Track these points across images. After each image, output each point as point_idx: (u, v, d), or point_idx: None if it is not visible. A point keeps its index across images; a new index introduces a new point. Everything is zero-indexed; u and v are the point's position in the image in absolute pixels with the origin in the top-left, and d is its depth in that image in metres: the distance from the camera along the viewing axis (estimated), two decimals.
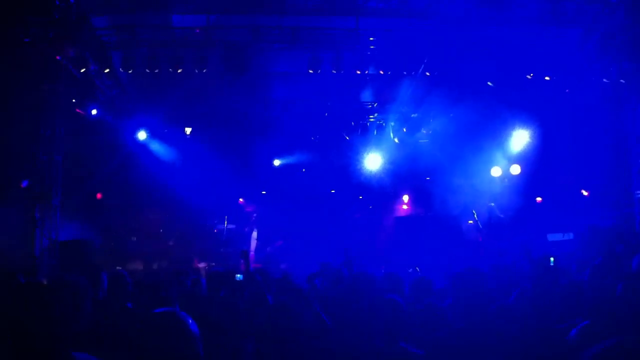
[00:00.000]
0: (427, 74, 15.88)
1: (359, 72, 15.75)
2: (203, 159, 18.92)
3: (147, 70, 14.98)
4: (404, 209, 22.56)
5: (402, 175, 20.43)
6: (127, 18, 14.74)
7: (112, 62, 15.46)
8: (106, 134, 17.67)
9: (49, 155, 14.46)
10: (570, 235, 17.41)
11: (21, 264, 13.01)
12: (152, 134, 18.69)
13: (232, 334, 5.84)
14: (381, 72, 15.90)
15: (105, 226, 18.23)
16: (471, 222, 18.79)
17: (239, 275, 7.86)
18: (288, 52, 15.81)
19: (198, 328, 3.30)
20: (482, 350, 4.59)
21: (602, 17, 14.69)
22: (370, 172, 20.24)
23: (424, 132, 19.63)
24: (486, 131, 18.31)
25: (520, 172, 19.09)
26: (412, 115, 19.52)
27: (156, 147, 19.12)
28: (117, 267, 14.28)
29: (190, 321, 3.25)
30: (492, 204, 19.05)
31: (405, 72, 15.97)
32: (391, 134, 19.92)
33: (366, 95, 19.09)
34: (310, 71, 15.18)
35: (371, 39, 15.49)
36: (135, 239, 19.71)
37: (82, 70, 14.83)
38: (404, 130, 19.77)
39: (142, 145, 18.66)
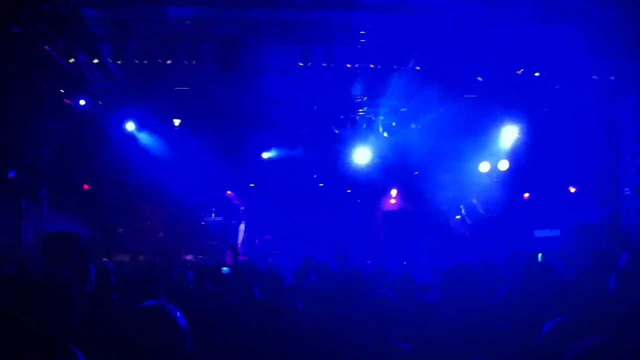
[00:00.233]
0: (417, 68, 15.86)
1: (349, 66, 15.73)
2: (192, 152, 18.88)
3: (137, 62, 14.89)
4: (392, 204, 22.62)
5: (390, 169, 20.46)
6: (118, 9, 14.65)
7: (102, 53, 15.37)
8: (95, 125, 17.59)
9: (37, 147, 14.41)
10: (557, 232, 17.52)
11: (7, 254, 12.96)
12: (141, 126, 18.62)
13: (217, 328, 5.83)
14: (372, 66, 15.88)
15: (93, 218, 18.16)
16: (458, 217, 18.87)
17: (225, 269, 7.86)
18: (280, 46, 15.75)
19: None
20: (470, 345, 4.60)
21: (595, 14, 14.71)
22: (359, 166, 20.24)
23: (414, 126, 19.63)
24: (475, 126, 18.34)
25: (509, 168, 19.15)
26: (402, 110, 19.49)
27: (145, 139, 19.06)
28: (103, 259, 14.24)
29: (178, 314, 3.25)
30: (474, 200, 19.13)
31: (395, 67, 15.95)
32: (380, 128, 19.91)
33: (356, 89, 19.06)
34: (301, 64, 15.16)
35: (362, 32, 15.45)
36: (122, 230, 19.67)
37: (71, 61, 14.73)
38: (394, 124, 19.76)
39: (132, 137, 18.59)
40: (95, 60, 15.35)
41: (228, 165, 19.69)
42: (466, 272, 5.20)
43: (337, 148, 20.40)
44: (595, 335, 3.95)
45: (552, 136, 18.02)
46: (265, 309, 4.92)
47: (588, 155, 17.24)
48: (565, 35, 15.33)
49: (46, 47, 13.95)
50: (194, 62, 14.98)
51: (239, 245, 18.54)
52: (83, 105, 16.56)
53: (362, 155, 20.15)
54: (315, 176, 21.61)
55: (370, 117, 19.90)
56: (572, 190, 19.03)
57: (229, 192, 21.22)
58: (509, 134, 18.54)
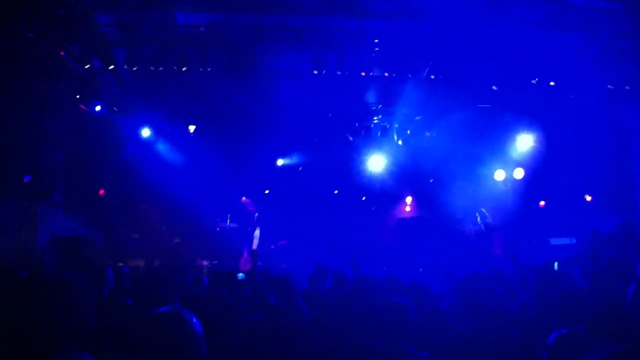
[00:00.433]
0: (432, 77, 15.86)
1: (363, 74, 15.73)
2: (206, 158, 18.91)
3: (151, 68, 14.96)
4: (406, 211, 22.57)
5: (405, 177, 20.44)
6: (132, 15, 14.72)
7: (116, 59, 15.44)
8: (109, 131, 17.67)
9: (52, 151, 14.47)
10: (573, 240, 17.42)
11: (22, 259, 13.03)
12: (155, 132, 18.67)
13: (232, 334, 5.82)
14: (386, 74, 15.88)
15: (108, 223, 18.23)
16: (477, 221, 18.81)
17: (240, 274, 7.85)
18: (292, 52, 15.77)
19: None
20: (485, 354, 4.57)
21: (606, 23, 14.67)
22: (374, 173, 20.21)
23: (428, 134, 19.58)
24: (490, 135, 18.26)
25: (524, 176, 19.05)
26: (417, 118, 19.47)
27: (159, 145, 19.12)
28: (119, 264, 14.29)
29: (194, 320, 3.24)
30: (483, 209, 19.06)
31: (410, 75, 15.94)
32: (395, 136, 19.88)
33: (370, 97, 19.05)
34: (315, 72, 15.17)
35: (376, 40, 15.45)
36: (137, 236, 19.71)
37: (86, 67, 14.81)
38: (408, 132, 19.74)
39: (145, 143, 18.64)
40: (111, 67, 15.43)
41: (242, 172, 19.72)
42: (480, 281, 5.17)
43: (351, 155, 20.37)
44: (612, 346, 3.93)
45: (567, 145, 17.93)
46: (279, 315, 4.91)
47: (604, 163, 17.16)
48: (578, 43, 15.29)
49: (61, 53, 14.02)
50: (208, 68, 15.03)
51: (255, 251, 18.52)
52: (98, 111, 16.63)
53: (376, 163, 20.12)
54: (336, 192, 21.60)
55: (385, 125, 19.86)
56: (588, 198, 18.93)
57: (244, 198, 21.22)
58: (523, 143, 18.45)
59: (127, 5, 14.33)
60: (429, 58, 15.50)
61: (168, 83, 16.40)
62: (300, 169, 21.10)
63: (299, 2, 14.54)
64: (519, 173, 19.12)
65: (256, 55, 15.10)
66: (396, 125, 19.84)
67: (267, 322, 4.79)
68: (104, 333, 4.60)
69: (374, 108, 19.68)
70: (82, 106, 16.36)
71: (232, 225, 19.91)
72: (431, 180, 21.06)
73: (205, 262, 18.02)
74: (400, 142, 19.92)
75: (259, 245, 18.07)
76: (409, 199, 22.44)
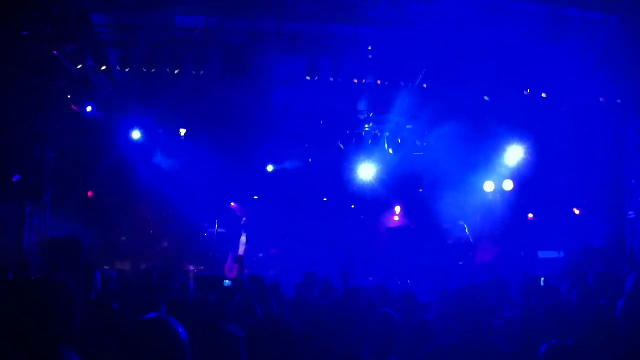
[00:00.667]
0: (425, 85, 15.88)
1: (356, 81, 15.72)
2: (197, 161, 18.88)
3: (145, 70, 14.90)
4: (395, 220, 22.56)
5: (395, 186, 20.46)
6: (127, 16, 14.68)
7: (109, 59, 15.39)
8: (101, 132, 17.59)
9: (42, 151, 14.41)
10: (561, 254, 17.45)
11: (10, 258, 12.96)
12: (147, 134, 18.60)
13: (219, 340, 5.79)
14: (379, 82, 15.88)
15: (97, 224, 18.13)
16: (465, 233, 18.83)
17: (227, 282, 7.82)
18: (287, 58, 15.76)
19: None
20: None
21: (599, 34, 14.75)
22: (364, 182, 20.21)
23: (419, 144, 19.60)
24: (481, 146, 18.29)
25: (514, 188, 19.08)
26: (408, 127, 19.50)
27: (151, 146, 19.06)
28: (105, 267, 14.21)
29: (180, 329, 3.22)
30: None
31: (402, 83, 15.94)
32: (386, 145, 19.89)
33: (362, 105, 19.09)
34: (308, 78, 15.15)
35: (370, 48, 15.46)
36: (125, 238, 19.64)
37: (79, 67, 14.75)
38: (399, 141, 19.74)
39: (137, 145, 18.57)
40: (103, 67, 15.38)
41: (232, 177, 19.68)
42: (468, 293, 5.15)
43: (342, 163, 20.37)
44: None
45: (558, 157, 17.99)
46: (266, 324, 4.87)
47: (593, 177, 17.22)
48: (571, 55, 15.35)
49: (54, 52, 13.97)
50: (201, 71, 15.00)
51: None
52: (89, 112, 16.57)
53: (367, 171, 20.13)
54: (325, 199, 21.58)
55: (376, 133, 19.87)
56: (577, 212, 18.97)
57: (233, 204, 21.17)
58: (514, 154, 18.48)
59: (123, 6, 14.29)
60: (421, 67, 15.52)
61: (161, 85, 16.36)
62: (310, 160, 20.97)
63: (294, 8, 14.55)
64: (508, 185, 19.14)
65: (251, 59, 15.08)
66: (387, 134, 19.86)
67: (254, 330, 4.75)
68: (91, 335, 4.58)
69: (365, 116, 19.72)
70: (73, 106, 16.29)
71: (220, 230, 19.86)
72: (420, 190, 21.08)
73: (192, 267, 17.96)
74: (391, 151, 19.93)
75: (245, 251, 18.05)
76: (397, 209, 22.43)
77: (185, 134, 19.27)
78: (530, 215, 19.90)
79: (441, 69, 15.52)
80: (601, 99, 15.97)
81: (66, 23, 13.34)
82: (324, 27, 15.12)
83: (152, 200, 19.01)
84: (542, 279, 8.24)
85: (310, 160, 20.65)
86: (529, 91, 15.87)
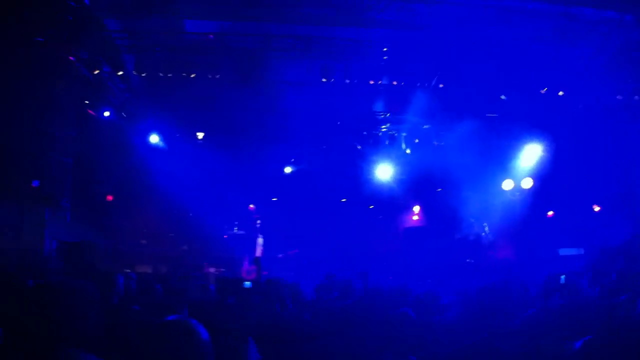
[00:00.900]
0: (441, 85, 15.85)
1: (372, 82, 15.72)
2: (214, 164, 18.90)
3: (160, 74, 14.98)
4: (414, 220, 22.52)
5: (413, 186, 20.40)
6: (141, 22, 14.75)
7: (125, 65, 15.48)
8: (118, 136, 17.67)
9: (60, 157, 14.48)
10: (581, 251, 17.34)
11: (30, 264, 13.02)
12: (163, 138, 18.67)
13: (239, 341, 5.79)
14: (394, 83, 15.87)
15: (115, 229, 18.20)
16: (482, 234, 18.75)
17: (247, 283, 7.82)
18: (300, 61, 15.79)
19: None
20: None
21: (615, 35, 14.65)
22: (381, 182, 20.18)
23: (436, 143, 19.55)
24: (499, 144, 18.22)
25: (532, 186, 18.99)
26: (425, 127, 19.45)
27: (168, 151, 19.12)
28: (126, 270, 14.26)
29: (201, 330, 3.23)
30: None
31: (418, 84, 15.94)
32: (403, 145, 19.86)
33: (378, 106, 19.05)
34: (323, 80, 15.16)
35: (384, 49, 15.45)
36: (145, 242, 19.70)
37: (95, 72, 14.84)
38: (416, 141, 19.71)
39: (154, 149, 18.64)
40: (120, 72, 15.46)
41: (250, 179, 19.71)
42: (492, 292, 5.13)
43: (359, 164, 20.35)
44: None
45: (576, 155, 17.88)
46: (287, 324, 4.88)
47: (613, 174, 17.11)
48: (587, 54, 15.27)
49: (70, 58, 14.06)
50: (216, 75, 15.05)
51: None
52: (107, 117, 16.66)
53: (384, 172, 20.10)
54: (343, 200, 21.57)
55: (393, 134, 19.83)
56: (597, 209, 18.86)
57: (251, 205, 21.20)
58: (532, 152, 18.41)
59: (137, 11, 14.34)
60: (437, 67, 15.51)
61: (177, 89, 16.42)
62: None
63: (307, 12, 14.55)
64: (527, 183, 19.06)
65: (264, 63, 15.12)
66: (404, 134, 19.82)
67: (275, 331, 4.77)
68: (114, 340, 4.60)
69: (382, 117, 19.67)
70: (90, 111, 16.38)
71: (240, 232, 19.88)
72: (439, 190, 21.02)
73: (212, 270, 18.00)
74: (408, 151, 19.89)
75: (263, 253, 18.08)
76: (416, 208, 22.39)
77: (203, 137, 19.32)
78: (550, 213, 19.81)
79: (456, 69, 15.50)
80: (618, 97, 15.88)
81: (81, 30, 13.41)
82: (337, 29, 15.12)
83: (171, 204, 19.06)
84: (563, 276, 8.18)
85: (327, 162, 20.61)
86: (545, 90, 15.82)
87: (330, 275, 11.15)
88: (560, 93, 15.92)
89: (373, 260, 17.94)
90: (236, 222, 19.70)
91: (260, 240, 18.99)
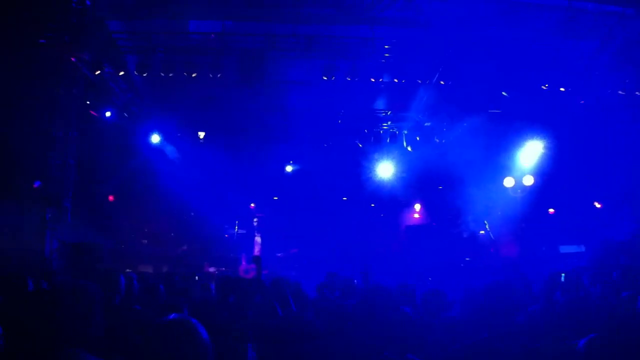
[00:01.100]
0: (442, 82, 15.84)
1: (373, 80, 15.70)
2: (216, 164, 18.92)
3: (162, 75, 14.98)
4: (415, 218, 22.51)
5: (414, 184, 20.39)
6: (143, 23, 14.77)
7: (127, 65, 15.49)
8: (120, 137, 17.69)
9: (62, 157, 14.49)
10: (583, 248, 17.33)
11: (32, 264, 13.03)
12: (165, 139, 18.69)
13: (239, 340, 5.81)
14: (395, 81, 15.86)
15: (117, 229, 18.24)
16: (483, 232, 18.75)
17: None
18: (302, 60, 15.80)
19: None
20: None
21: (618, 29, 14.62)
22: (383, 180, 20.18)
23: (437, 141, 19.54)
24: (500, 141, 18.20)
25: (534, 183, 18.97)
26: (426, 124, 19.45)
27: (170, 151, 19.14)
28: (127, 270, 14.28)
29: (202, 329, 3.23)
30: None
31: (419, 81, 15.91)
32: (404, 143, 19.85)
33: (380, 103, 19.05)
34: (325, 78, 15.15)
35: (386, 47, 15.45)
36: (146, 242, 19.73)
37: (97, 73, 14.85)
38: (417, 138, 19.70)
39: (156, 150, 18.66)
40: (121, 73, 15.47)
41: (251, 178, 19.73)
42: (498, 289, 5.11)
43: (360, 162, 20.34)
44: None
45: (578, 152, 17.86)
46: (288, 325, 4.89)
47: (614, 170, 17.08)
48: (590, 49, 15.25)
49: (72, 59, 14.07)
50: (218, 75, 15.03)
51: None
52: (109, 117, 16.67)
53: (385, 170, 20.10)
54: (345, 198, 21.56)
55: (394, 131, 19.83)
56: (598, 206, 18.84)
57: (252, 204, 21.21)
58: (533, 149, 18.40)
59: (138, 12, 14.36)
60: (438, 64, 15.49)
61: (178, 90, 16.43)
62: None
63: (308, 11, 14.55)
64: (528, 180, 19.04)
65: (267, 62, 15.11)
66: (405, 132, 19.83)
67: (276, 331, 4.77)
68: (116, 339, 4.60)
69: (383, 114, 19.68)
70: (92, 112, 16.40)
71: (241, 231, 19.90)
72: (440, 187, 21.01)
73: (212, 269, 18.02)
74: (409, 149, 19.89)
75: (261, 251, 18.08)
76: (417, 206, 22.38)
77: (204, 137, 19.33)
78: (551, 210, 19.80)
79: (458, 66, 15.47)
80: (620, 92, 15.85)
81: (83, 31, 13.43)
82: (339, 28, 15.11)
83: (172, 204, 19.08)
84: (563, 275, 8.18)
85: (328, 160, 20.61)
86: (547, 86, 15.79)
87: (331, 273, 11.14)
88: (562, 89, 15.88)
89: (374, 258, 17.93)
90: (237, 222, 19.71)
91: (258, 239, 19.00)
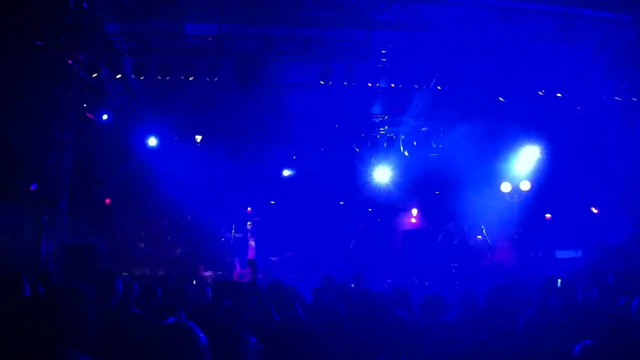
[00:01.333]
0: (439, 87, 15.84)
1: (370, 85, 15.72)
2: (212, 167, 18.91)
3: (159, 77, 14.97)
4: (412, 222, 22.50)
5: (411, 188, 20.39)
6: (140, 25, 14.78)
7: (124, 68, 15.48)
8: (116, 139, 17.68)
9: (58, 159, 14.49)
10: (579, 253, 17.34)
11: (28, 265, 13.02)
12: (162, 141, 18.66)
13: (235, 343, 5.80)
14: (392, 85, 15.88)
15: (113, 231, 18.22)
16: (479, 237, 18.75)
17: None
18: (299, 63, 15.81)
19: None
20: None
21: (614, 35, 14.68)
22: (380, 184, 20.18)
23: (434, 146, 19.54)
24: (496, 146, 18.23)
25: (530, 188, 19.00)
26: (423, 129, 19.45)
27: (166, 153, 19.11)
28: (124, 273, 14.27)
29: (200, 333, 3.22)
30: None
31: (416, 86, 15.92)
32: (401, 147, 19.86)
33: (377, 108, 19.07)
34: (322, 82, 15.16)
35: (383, 51, 15.48)
36: (142, 244, 19.70)
37: (94, 76, 14.84)
38: (414, 143, 19.70)
39: (152, 152, 18.63)
40: (118, 75, 15.46)
41: (248, 182, 19.71)
42: (500, 293, 5.11)
43: (357, 166, 20.34)
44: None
45: (574, 157, 17.90)
46: (285, 326, 4.89)
47: (610, 175, 17.12)
48: (585, 55, 15.30)
49: (69, 61, 14.07)
50: (215, 77, 15.02)
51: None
52: (105, 119, 16.66)
53: (382, 174, 20.09)
54: (341, 203, 21.55)
55: (391, 136, 19.84)
56: (595, 211, 18.86)
57: (249, 208, 21.18)
58: (530, 155, 18.43)
59: (135, 15, 14.36)
60: (435, 69, 15.50)
61: (176, 92, 16.42)
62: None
63: (306, 14, 14.57)
64: (525, 185, 19.07)
65: (263, 65, 15.10)
66: (402, 136, 19.83)
67: (274, 333, 4.77)
68: (112, 341, 4.61)
69: (380, 119, 19.69)
70: (89, 114, 16.39)
71: (237, 235, 19.86)
72: (437, 192, 21.01)
73: (209, 273, 18.01)
74: (406, 153, 19.89)
75: (255, 255, 18.03)
76: (414, 211, 22.38)
77: (201, 140, 19.31)
78: (548, 215, 19.81)
79: (455, 70, 15.49)
80: (617, 98, 15.90)
81: (79, 32, 13.42)
82: (336, 31, 15.13)
83: (168, 207, 19.06)
84: (559, 280, 8.18)
85: (325, 164, 20.59)
86: (543, 92, 15.83)
87: (328, 277, 11.15)
88: (558, 95, 15.91)
89: (371, 262, 17.92)
90: (234, 225, 19.68)
91: (252, 243, 18.97)
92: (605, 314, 5.60)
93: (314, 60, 15.33)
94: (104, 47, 14.68)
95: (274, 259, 19.54)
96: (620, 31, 14.60)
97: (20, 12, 12.67)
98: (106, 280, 6.42)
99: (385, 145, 19.85)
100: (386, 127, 19.96)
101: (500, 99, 16.76)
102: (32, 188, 14.36)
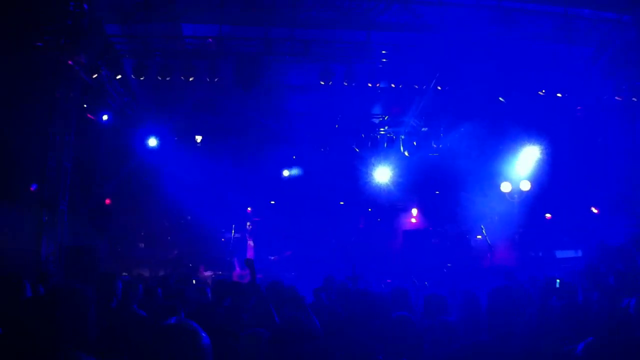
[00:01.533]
0: (439, 88, 15.85)
1: (370, 85, 15.72)
2: (212, 168, 18.92)
3: (159, 79, 14.97)
4: (412, 223, 22.50)
5: (411, 188, 20.40)
6: (140, 26, 14.77)
7: (124, 69, 15.49)
8: (116, 140, 17.71)
9: (58, 160, 14.49)
10: (579, 253, 17.35)
11: (28, 266, 13.03)
12: (162, 142, 18.67)
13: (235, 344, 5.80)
14: (392, 86, 15.88)
15: (113, 232, 18.22)
16: (479, 237, 18.74)
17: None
18: (300, 64, 15.82)
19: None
20: None
21: (614, 35, 14.68)
22: (380, 184, 20.18)
23: (434, 146, 19.55)
24: (497, 147, 18.24)
25: (531, 188, 19.00)
26: (423, 129, 19.47)
27: (166, 154, 19.11)
28: (123, 274, 14.29)
29: (203, 334, 3.23)
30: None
31: (416, 86, 15.92)
32: (401, 148, 19.87)
33: (377, 108, 19.09)
34: (322, 83, 15.16)
35: (383, 52, 15.47)
36: (142, 245, 19.71)
37: (94, 77, 14.84)
38: (415, 143, 19.71)
39: (152, 153, 18.64)
40: (119, 76, 15.47)
41: (248, 182, 19.71)
42: (503, 294, 5.11)
43: (357, 166, 20.35)
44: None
45: (574, 157, 17.90)
46: (288, 326, 4.88)
47: (611, 175, 17.11)
48: (586, 55, 15.30)
49: (69, 62, 14.07)
50: (215, 79, 15.03)
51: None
52: (105, 120, 16.67)
53: (382, 174, 20.10)
54: (342, 203, 21.55)
55: (391, 136, 19.86)
56: (595, 211, 18.86)
57: (249, 209, 21.18)
58: (530, 155, 18.43)
59: (136, 16, 14.36)
60: (435, 70, 15.50)
61: (175, 93, 16.44)
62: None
63: (306, 15, 14.56)
64: (525, 185, 19.07)
65: (263, 67, 15.11)
66: (402, 137, 19.84)
67: (276, 333, 4.75)
68: (113, 342, 4.61)
69: (380, 119, 19.70)
70: (89, 115, 16.39)
71: (237, 235, 19.87)
72: (437, 192, 21.02)
73: (209, 273, 18.01)
74: (406, 154, 19.90)
75: (255, 255, 18.03)
76: (414, 211, 22.38)
77: (201, 141, 19.32)
78: (548, 215, 19.81)
79: (455, 71, 15.50)
80: (617, 98, 15.90)
81: (80, 34, 13.42)
82: (336, 32, 15.13)
83: (168, 207, 19.08)
84: (558, 280, 8.18)
85: (325, 164, 20.59)
86: (543, 92, 15.83)
87: (329, 277, 11.16)
88: (559, 95, 15.91)
89: (371, 262, 17.93)
90: (233, 225, 19.68)
91: (250, 243, 18.97)
92: (606, 315, 5.59)
93: (314, 61, 15.34)
94: (105, 48, 14.69)
95: (272, 257, 19.55)
96: (620, 31, 14.60)
97: (20, 13, 12.68)
98: (106, 281, 6.44)
99: (385, 145, 19.87)
100: (386, 128, 19.99)
101: (501, 99, 16.76)
102: (32, 189, 14.34)
